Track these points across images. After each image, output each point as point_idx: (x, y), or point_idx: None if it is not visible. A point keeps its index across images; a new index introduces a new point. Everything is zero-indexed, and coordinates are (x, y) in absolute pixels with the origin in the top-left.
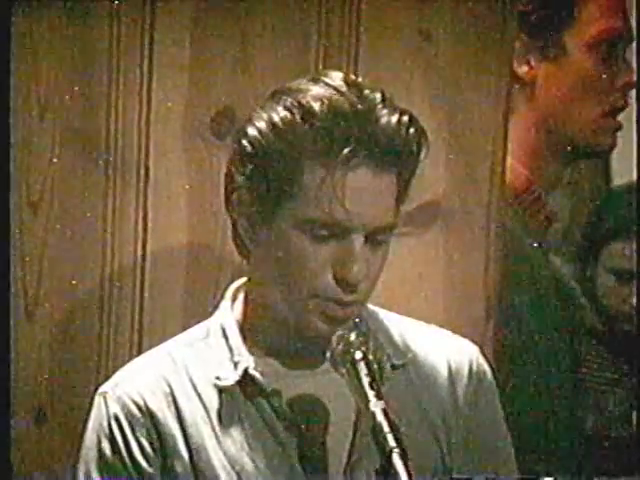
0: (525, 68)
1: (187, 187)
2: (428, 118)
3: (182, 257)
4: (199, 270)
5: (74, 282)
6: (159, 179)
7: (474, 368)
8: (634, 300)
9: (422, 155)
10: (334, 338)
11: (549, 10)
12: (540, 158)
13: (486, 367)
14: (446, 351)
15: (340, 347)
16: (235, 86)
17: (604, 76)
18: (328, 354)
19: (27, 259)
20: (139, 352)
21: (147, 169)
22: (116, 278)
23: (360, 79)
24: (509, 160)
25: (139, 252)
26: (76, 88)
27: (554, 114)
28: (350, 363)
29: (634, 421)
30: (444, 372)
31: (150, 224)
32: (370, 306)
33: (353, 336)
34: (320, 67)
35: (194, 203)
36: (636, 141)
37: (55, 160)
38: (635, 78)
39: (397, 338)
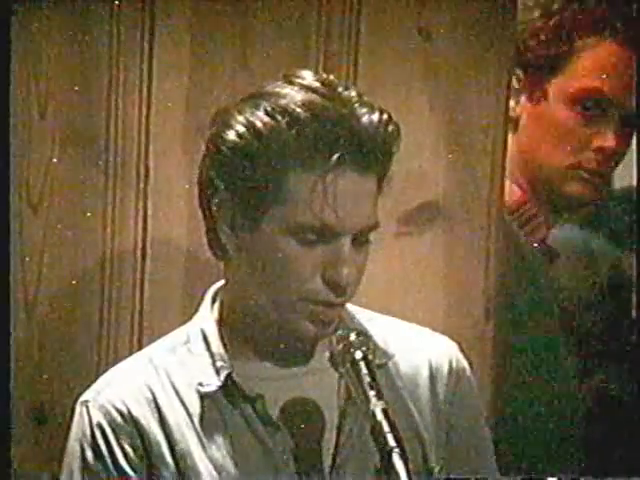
0: (513, 103)
1: (187, 187)
2: (428, 118)
3: (182, 257)
4: (199, 270)
5: (74, 282)
6: (159, 179)
7: (454, 365)
8: (633, 304)
9: (395, 150)
10: (334, 338)
11: (545, 54)
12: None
13: (465, 364)
14: (426, 349)
15: (340, 347)
16: (235, 86)
17: (580, 133)
18: (328, 354)
19: (27, 259)
20: None
21: (147, 169)
22: (116, 278)
23: (352, 78)
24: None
25: (139, 252)
26: (76, 88)
27: (530, 154)
28: (350, 363)
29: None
30: (425, 370)
31: (150, 224)
32: (349, 306)
33: (353, 336)
34: (320, 67)
35: (194, 203)
36: (636, 142)
37: (55, 160)
38: (614, 144)
39: (378, 337)
